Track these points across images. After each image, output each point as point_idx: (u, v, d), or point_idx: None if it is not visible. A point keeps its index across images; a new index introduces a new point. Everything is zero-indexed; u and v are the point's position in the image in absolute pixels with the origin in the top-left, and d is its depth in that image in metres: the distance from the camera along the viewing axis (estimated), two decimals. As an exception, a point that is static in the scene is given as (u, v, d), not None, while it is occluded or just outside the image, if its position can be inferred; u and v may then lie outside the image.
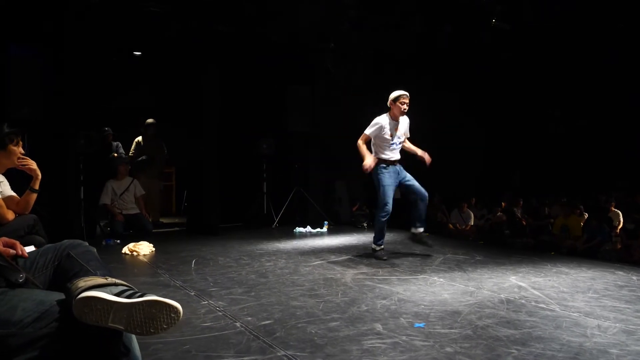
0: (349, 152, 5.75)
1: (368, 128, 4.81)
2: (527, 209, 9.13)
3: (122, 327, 1.41)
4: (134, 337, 1.57)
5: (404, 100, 4.72)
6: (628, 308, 3.07)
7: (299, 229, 6.93)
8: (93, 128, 6.74)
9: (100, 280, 1.50)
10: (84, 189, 6.33)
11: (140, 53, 8.19)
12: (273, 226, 7.43)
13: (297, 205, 7.87)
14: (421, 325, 2.77)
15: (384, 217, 4.77)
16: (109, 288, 1.47)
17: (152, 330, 1.42)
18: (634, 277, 3.88)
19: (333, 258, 4.88)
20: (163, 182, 8.40)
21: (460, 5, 8.00)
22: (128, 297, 1.45)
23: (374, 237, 4.90)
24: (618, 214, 7.97)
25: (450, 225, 8.88)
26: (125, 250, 5.24)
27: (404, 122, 4.90)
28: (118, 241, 5.87)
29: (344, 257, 4.91)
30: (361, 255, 5.03)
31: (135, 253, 5.16)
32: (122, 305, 1.40)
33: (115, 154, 7.44)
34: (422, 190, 4.84)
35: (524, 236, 8.08)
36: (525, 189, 10.69)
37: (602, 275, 3.97)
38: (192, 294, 3.52)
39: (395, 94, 4.76)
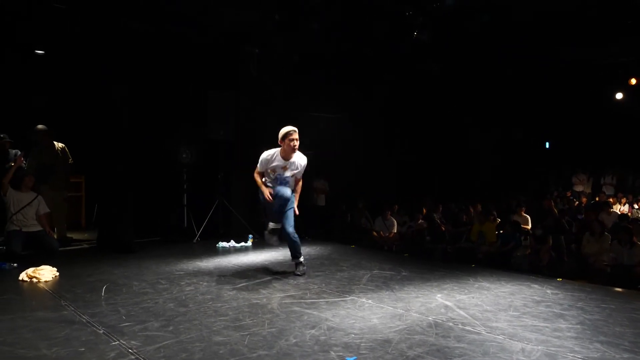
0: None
1: (259, 164, 4.70)
2: (446, 215, 9.45)
3: None
4: None
5: (292, 137, 4.50)
6: (547, 327, 3.17)
7: (222, 244, 6.59)
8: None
9: None
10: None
11: (43, 52, 7.46)
12: (194, 241, 6.99)
13: (220, 218, 7.50)
14: (353, 359, 2.66)
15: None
16: None
17: None
18: (549, 291, 4.07)
19: (258, 278, 4.66)
20: (71, 193, 7.64)
21: (383, 15, 8.10)
22: None
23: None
24: (527, 218, 8.46)
25: (374, 233, 8.96)
26: (23, 276, 4.65)
27: (298, 161, 4.65)
28: (15, 264, 5.16)
29: (270, 277, 4.71)
30: (287, 273, 4.85)
31: (35, 279, 4.60)
32: None
33: (13, 163, 6.64)
34: (286, 226, 4.65)
35: (443, 242, 8.35)
36: (444, 194, 11.12)
37: (520, 290, 4.12)
38: (101, 332, 3.16)
39: (282, 131, 4.54)
